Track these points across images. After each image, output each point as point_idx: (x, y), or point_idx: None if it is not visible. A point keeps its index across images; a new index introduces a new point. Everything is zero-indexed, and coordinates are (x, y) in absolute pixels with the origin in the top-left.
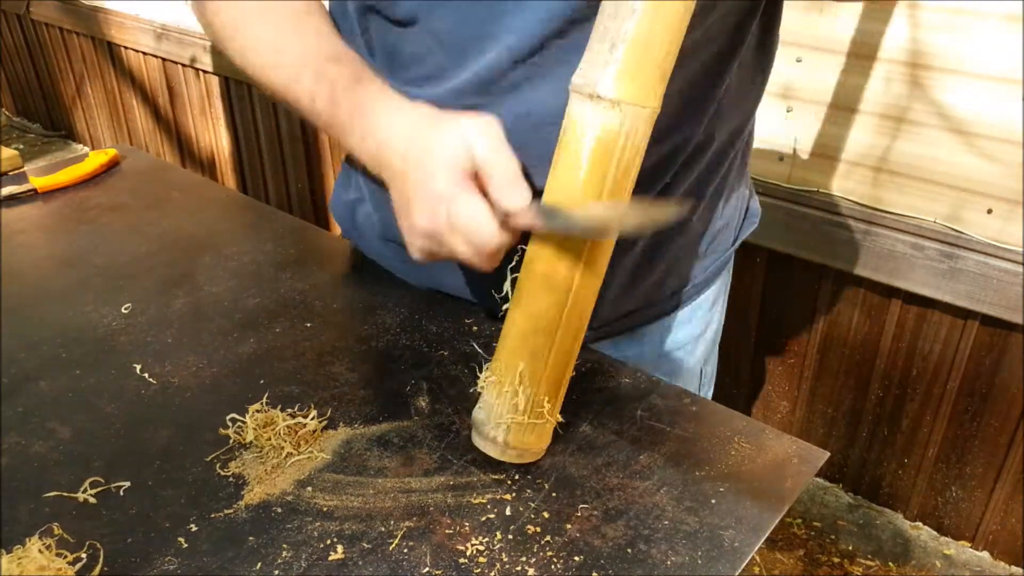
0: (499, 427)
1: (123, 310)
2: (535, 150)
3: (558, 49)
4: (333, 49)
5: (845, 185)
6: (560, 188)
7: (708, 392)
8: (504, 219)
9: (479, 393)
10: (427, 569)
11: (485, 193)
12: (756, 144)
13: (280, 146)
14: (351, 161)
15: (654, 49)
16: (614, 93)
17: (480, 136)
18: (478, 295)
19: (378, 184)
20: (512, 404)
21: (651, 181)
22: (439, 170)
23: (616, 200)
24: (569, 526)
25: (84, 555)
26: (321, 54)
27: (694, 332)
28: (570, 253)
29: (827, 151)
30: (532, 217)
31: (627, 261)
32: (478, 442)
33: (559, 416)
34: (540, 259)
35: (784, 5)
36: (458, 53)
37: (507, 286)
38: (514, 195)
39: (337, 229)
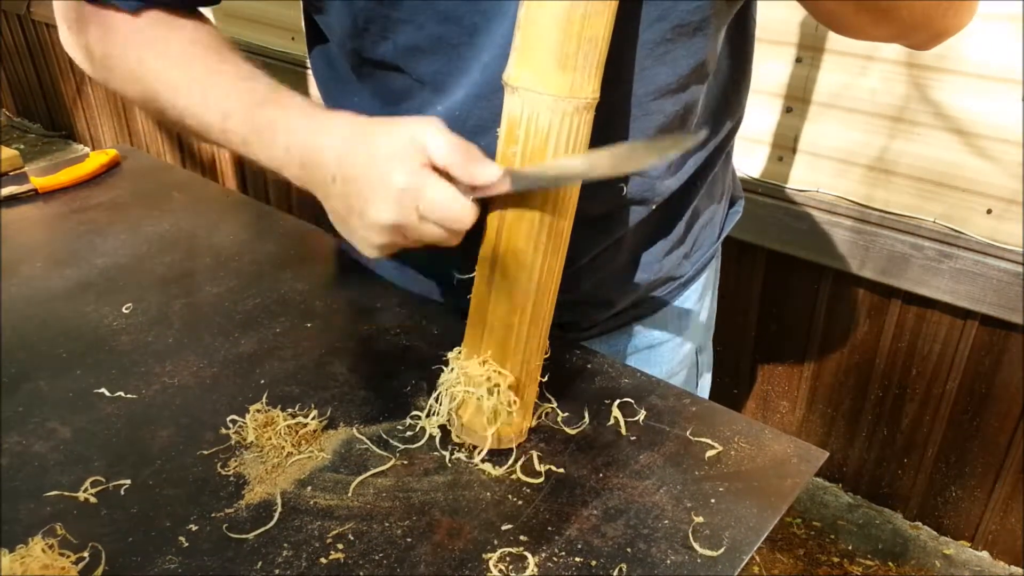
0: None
1: (123, 310)
2: None
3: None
4: (242, 70)
5: (845, 185)
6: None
7: (706, 378)
8: (472, 193)
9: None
10: (426, 568)
11: (447, 177)
12: (756, 144)
13: None
14: None
15: (542, 35)
16: (512, 79)
17: (428, 131)
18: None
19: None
20: (456, 383)
21: (635, 201)
22: (396, 166)
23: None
24: (569, 526)
25: (86, 554)
26: (229, 72)
27: (683, 324)
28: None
29: (827, 151)
30: (504, 184)
31: (615, 266)
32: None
33: (509, 402)
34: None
35: (784, 5)
36: (440, 90)
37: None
38: (486, 170)
39: None
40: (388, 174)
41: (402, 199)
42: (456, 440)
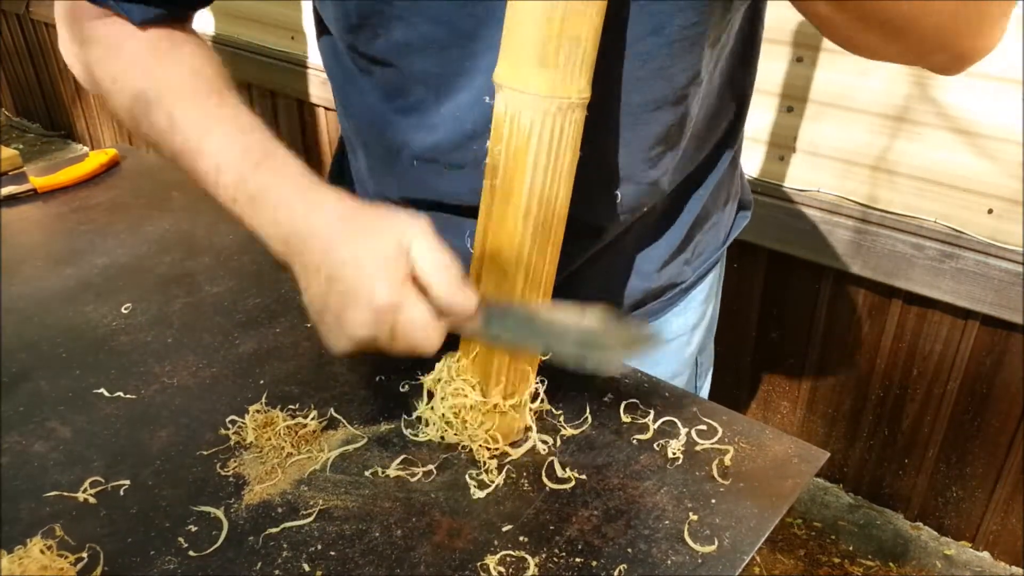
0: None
1: (123, 310)
2: None
3: None
4: (241, 119)
5: (845, 185)
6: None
7: (706, 381)
8: (444, 316)
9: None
10: (426, 569)
11: (425, 294)
12: (756, 144)
13: None
14: (343, 151)
15: (523, 33)
16: (497, 77)
17: (414, 239)
18: None
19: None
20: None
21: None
22: (380, 278)
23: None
24: (569, 526)
25: (85, 555)
26: (228, 120)
27: (688, 323)
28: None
29: (827, 151)
30: (476, 323)
31: (615, 272)
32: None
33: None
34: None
35: (783, 5)
36: (437, 90)
37: None
38: (461, 301)
39: None
40: (372, 288)
41: (380, 316)
42: (455, 440)
